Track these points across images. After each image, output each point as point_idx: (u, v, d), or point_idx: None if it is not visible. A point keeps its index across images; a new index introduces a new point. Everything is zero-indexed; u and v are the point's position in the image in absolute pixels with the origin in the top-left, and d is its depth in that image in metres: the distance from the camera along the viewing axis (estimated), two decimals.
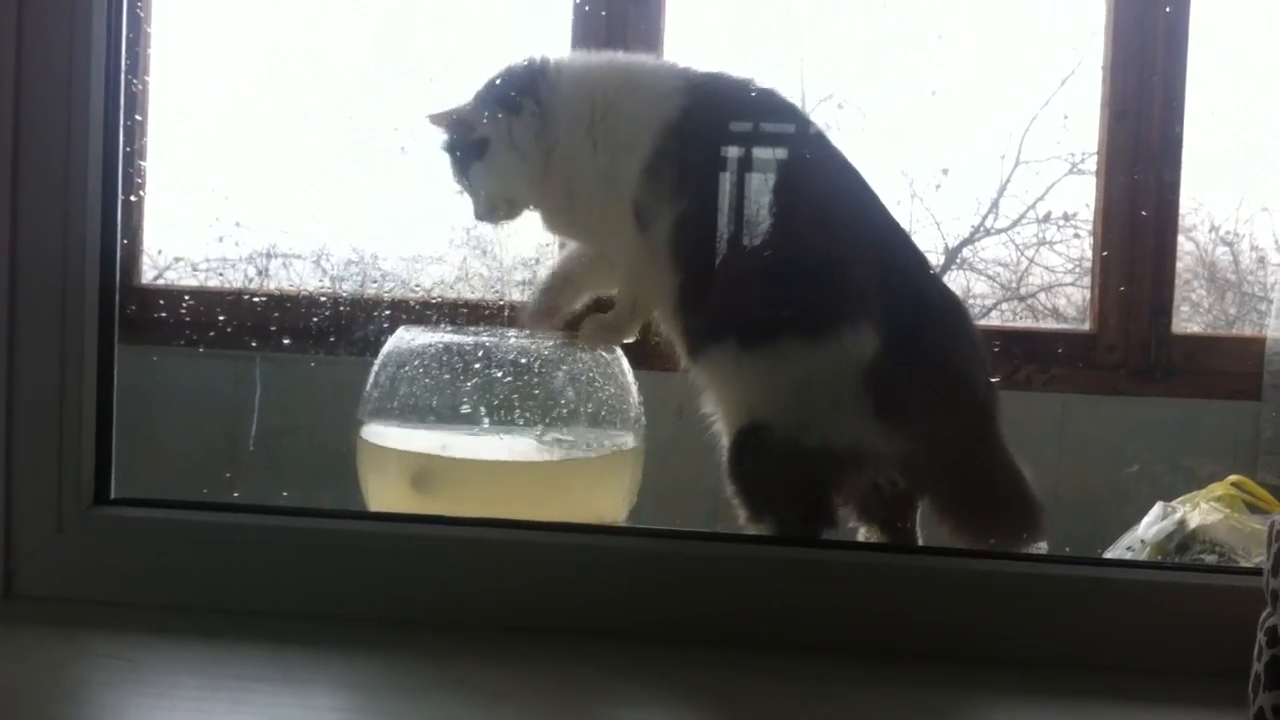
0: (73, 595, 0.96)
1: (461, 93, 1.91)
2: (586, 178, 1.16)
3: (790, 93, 1.99)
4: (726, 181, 1.11)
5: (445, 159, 1.24)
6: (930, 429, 1.06)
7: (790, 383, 1.05)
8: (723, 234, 1.10)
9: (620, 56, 1.26)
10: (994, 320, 1.96)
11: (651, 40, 1.72)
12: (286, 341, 1.23)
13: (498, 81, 1.23)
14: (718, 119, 1.14)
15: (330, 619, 0.93)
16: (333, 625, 0.92)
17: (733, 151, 1.12)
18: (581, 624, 0.93)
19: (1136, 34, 1.66)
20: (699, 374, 1.12)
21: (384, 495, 1.09)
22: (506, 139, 1.19)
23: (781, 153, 1.14)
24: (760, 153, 1.13)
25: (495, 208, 1.22)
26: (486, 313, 1.20)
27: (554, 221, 1.22)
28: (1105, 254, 1.63)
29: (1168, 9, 1.63)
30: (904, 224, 2.20)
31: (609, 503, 1.12)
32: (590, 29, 1.71)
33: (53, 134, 0.95)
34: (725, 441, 1.10)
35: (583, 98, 1.18)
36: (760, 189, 1.10)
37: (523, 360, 1.12)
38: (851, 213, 1.12)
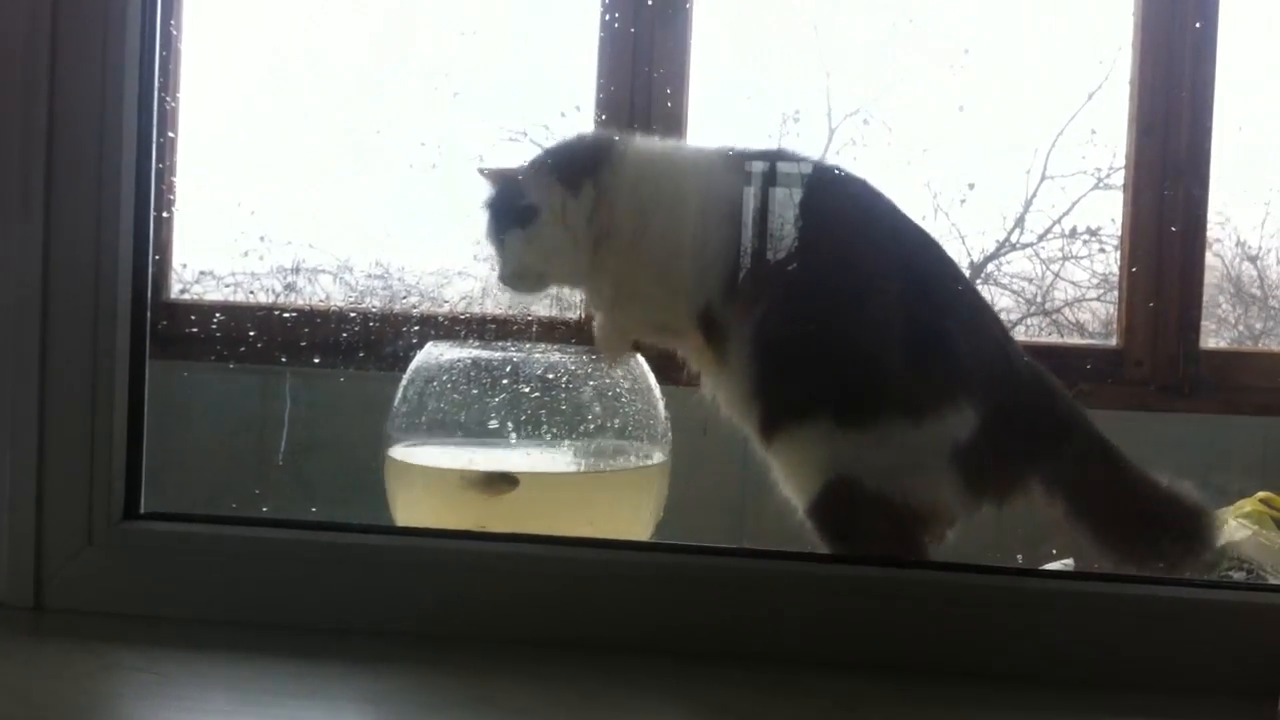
0: (102, 609, 0.96)
1: (493, 112, 1.93)
2: (642, 278, 1.14)
3: (816, 108, 2.00)
4: (811, 267, 1.09)
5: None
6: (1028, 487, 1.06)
7: (888, 456, 1.05)
8: (812, 318, 1.09)
9: (688, 148, 1.21)
10: (1019, 335, 1.96)
11: (678, 57, 1.73)
12: (316, 360, 1.24)
13: (562, 152, 1.20)
14: (794, 207, 1.13)
15: (358, 634, 0.93)
16: (360, 640, 0.93)
17: (814, 237, 1.10)
18: (606, 639, 0.93)
19: (1165, 49, 1.66)
20: (779, 451, 1.10)
21: (412, 510, 1.10)
22: (559, 214, 1.15)
23: (862, 230, 1.13)
24: (841, 232, 1.11)
25: (524, 277, 1.18)
26: (515, 328, 1.20)
27: (600, 303, 1.19)
28: (1134, 270, 1.63)
29: (1197, 24, 1.63)
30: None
31: (636, 517, 1.12)
32: (618, 45, 1.72)
33: (87, 150, 0.96)
34: (800, 503, 1.09)
35: (648, 192, 1.15)
36: (846, 266, 1.09)
37: (550, 375, 1.12)
38: (940, 284, 1.11)
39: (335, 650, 0.91)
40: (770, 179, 1.15)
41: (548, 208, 1.15)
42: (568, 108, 2.03)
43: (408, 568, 0.96)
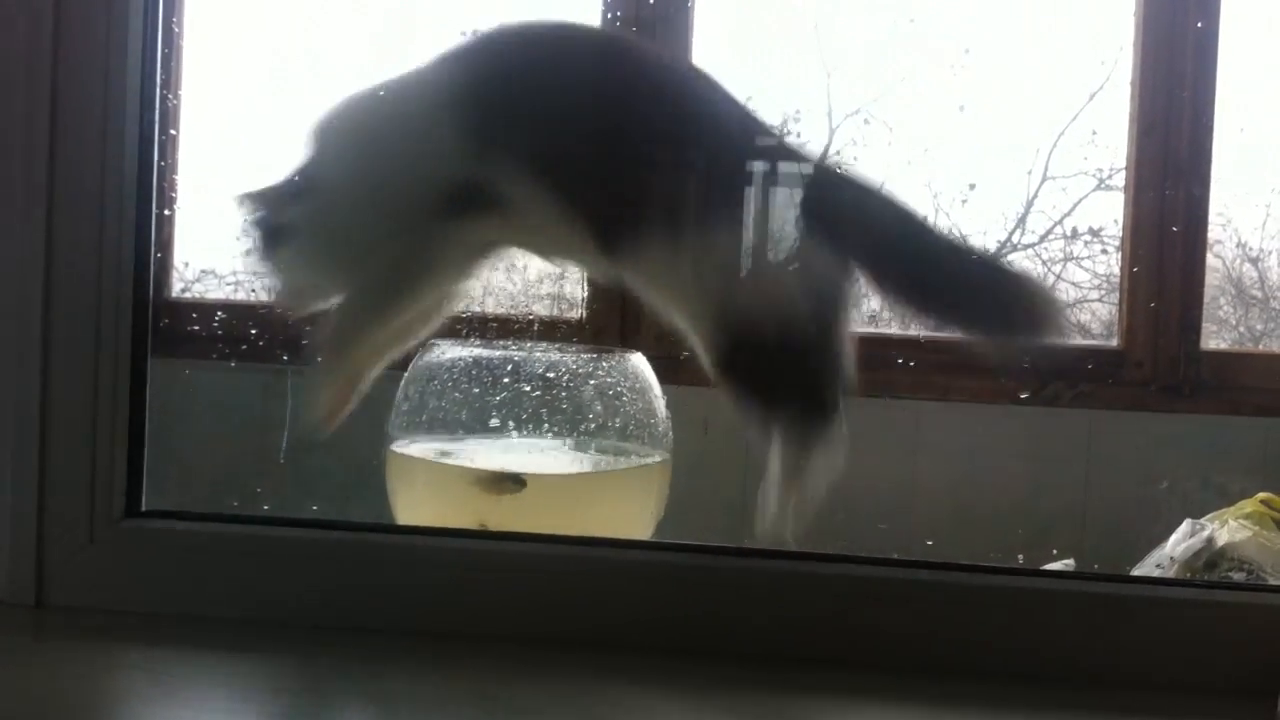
0: (103, 606, 0.96)
1: None
2: None
3: (816, 107, 2.00)
4: None
5: None
6: None
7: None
8: None
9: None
10: None
11: (679, 56, 1.73)
12: (319, 358, 1.23)
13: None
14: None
15: (360, 632, 0.94)
16: (362, 638, 0.93)
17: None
18: (609, 638, 0.93)
19: (1166, 49, 1.66)
20: None
21: (414, 508, 1.10)
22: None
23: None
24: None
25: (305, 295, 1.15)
26: (516, 327, 1.20)
27: None
28: (1135, 270, 1.63)
29: (1199, 24, 1.63)
30: None
31: (637, 516, 1.12)
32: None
33: (89, 148, 0.96)
34: None
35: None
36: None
37: (550, 374, 1.12)
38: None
39: (336, 648, 0.91)
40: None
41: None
42: None
43: (409, 566, 0.96)
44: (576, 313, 1.62)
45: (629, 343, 1.59)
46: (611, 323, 1.60)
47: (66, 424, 0.96)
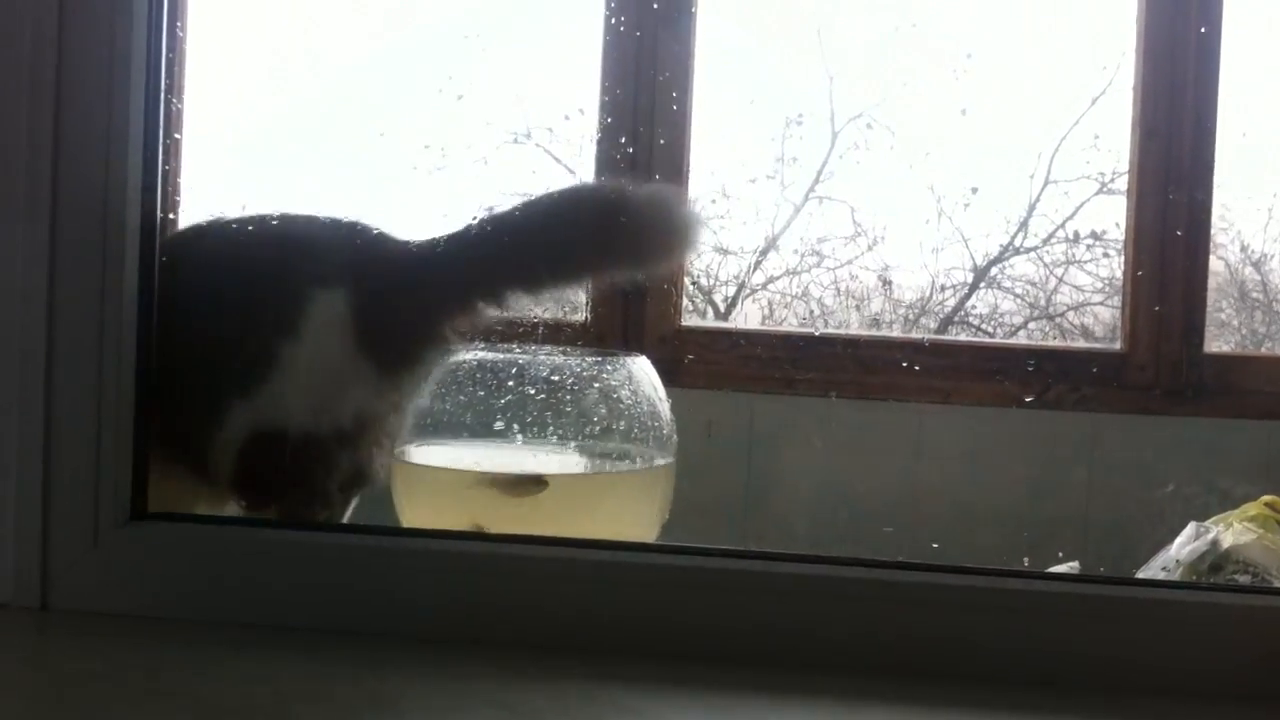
0: (109, 610, 0.96)
1: (497, 115, 1.92)
2: None
3: (819, 111, 2.00)
4: None
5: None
6: None
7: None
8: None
9: None
10: (1022, 339, 1.96)
11: (683, 60, 1.73)
12: None
13: None
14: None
15: (367, 635, 0.93)
16: (369, 642, 0.92)
17: None
18: (617, 643, 0.92)
19: (1168, 53, 1.66)
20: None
21: (419, 511, 1.10)
22: None
23: None
24: None
25: None
26: (520, 330, 1.20)
27: None
28: (1140, 273, 1.63)
29: (1201, 29, 1.63)
30: (932, 242, 2.20)
31: (641, 519, 1.12)
32: (622, 48, 1.72)
33: (94, 148, 0.96)
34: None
35: None
36: None
37: (555, 378, 1.12)
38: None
39: (344, 652, 0.91)
40: None
41: None
42: (571, 110, 2.04)
43: (416, 569, 0.95)
44: (580, 315, 1.62)
45: (632, 346, 1.59)
46: (614, 326, 1.60)
47: (71, 427, 0.96)
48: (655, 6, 1.71)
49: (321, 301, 1.05)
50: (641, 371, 1.16)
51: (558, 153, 2.09)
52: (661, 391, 1.16)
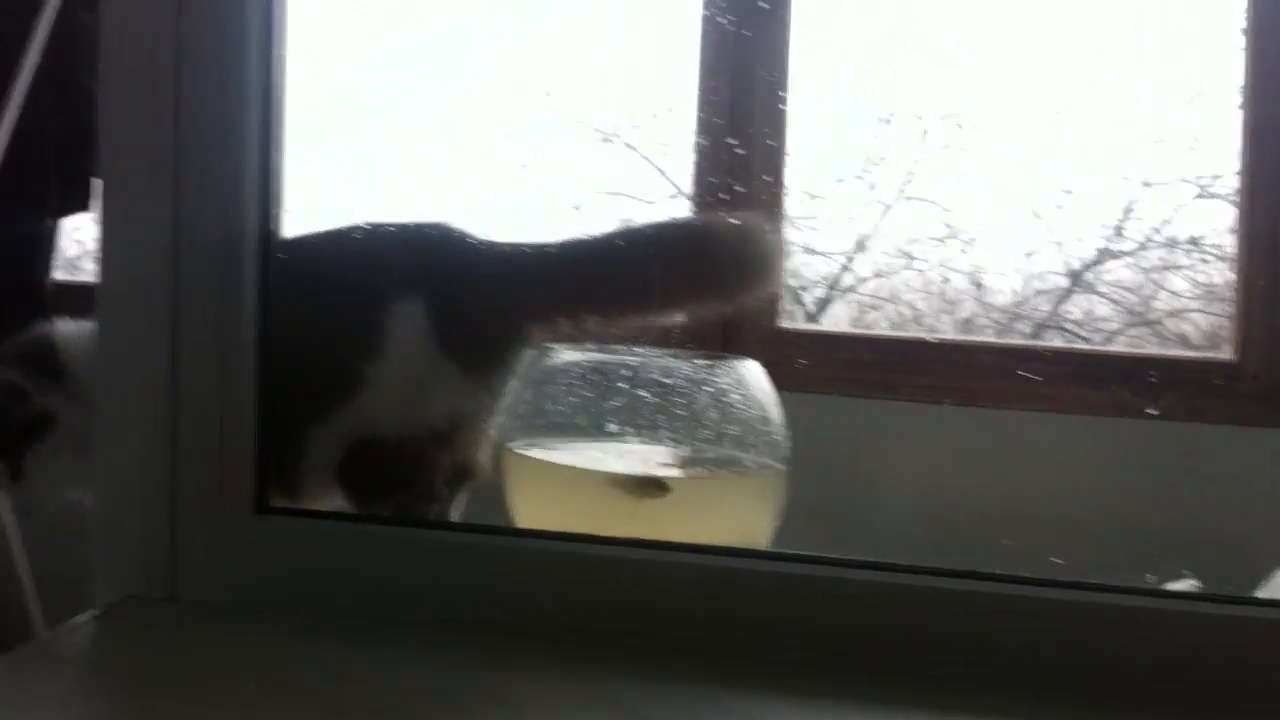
0: (234, 603, 0.97)
1: (586, 112, 1.92)
2: None
3: (909, 110, 1.98)
4: None
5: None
6: None
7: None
8: None
9: None
10: (1119, 345, 1.93)
11: (778, 57, 1.72)
12: None
13: None
14: None
15: (486, 634, 0.94)
16: (489, 640, 0.93)
17: None
18: (733, 648, 0.92)
19: (1278, 52, 1.63)
20: None
21: (534, 511, 1.11)
22: None
23: None
24: None
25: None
26: (675, 339, 1.21)
27: None
28: (1257, 281, 1.60)
29: None
30: (1025, 245, 2.17)
31: (756, 525, 1.12)
32: (721, 42, 1.72)
33: (215, 141, 0.97)
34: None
35: None
36: None
37: (667, 380, 1.12)
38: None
39: (463, 651, 0.91)
40: None
41: None
42: (660, 108, 2.04)
43: (536, 569, 0.96)
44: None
45: (730, 347, 1.59)
46: (712, 327, 1.60)
47: (197, 424, 0.98)
48: (764, 5, 1.70)
49: (400, 314, 1.08)
50: (753, 376, 1.15)
51: (647, 151, 2.10)
52: (773, 396, 1.16)
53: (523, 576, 0.96)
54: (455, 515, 1.13)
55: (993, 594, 0.93)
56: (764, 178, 1.70)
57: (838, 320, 2.06)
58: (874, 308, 2.10)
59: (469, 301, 1.09)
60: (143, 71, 0.96)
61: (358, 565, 0.97)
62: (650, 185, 2.08)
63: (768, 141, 1.71)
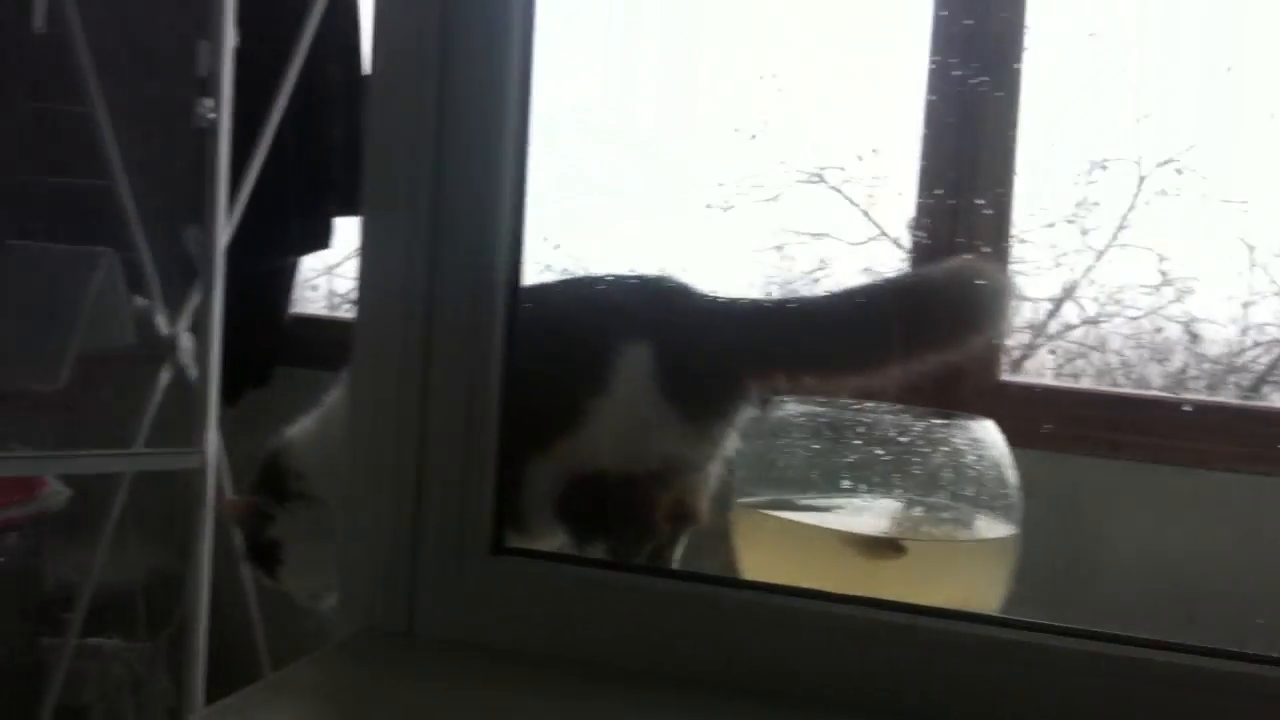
0: (468, 639, 0.99)
1: (792, 154, 1.92)
2: None
3: (1125, 155, 1.93)
4: None
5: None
6: None
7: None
8: None
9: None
10: None
11: (1006, 106, 1.69)
12: None
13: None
14: None
15: (706, 685, 0.93)
16: (707, 692, 0.92)
17: None
18: (959, 715, 0.90)
19: None
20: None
21: (757, 564, 1.10)
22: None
23: None
24: None
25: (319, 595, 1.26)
26: (890, 390, 1.19)
27: None
28: None
29: None
30: (1243, 295, 2.09)
31: (987, 591, 1.09)
32: (952, 34, 1.70)
33: (473, 193, 0.99)
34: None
35: None
36: None
37: (902, 438, 1.11)
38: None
39: (687, 702, 0.91)
40: None
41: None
42: (865, 150, 2.03)
43: (759, 624, 0.95)
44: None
45: (947, 399, 1.56)
46: (924, 381, 1.57)
47: (443, 461, 1.00)
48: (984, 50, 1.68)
49: (629, 356, 1.10)
50: (989, 435, 1.13)
51: (850, 193, 2.09)
52: (1009, 457, 1.13)
53: (752, 630, 0.95)
54: (674, 561, 1.13)
55: (1239, 674, 0.88)
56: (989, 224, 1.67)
57: (1041, 368, 2.01)
58: (1080, 356, 2.05)
59: (693, 352, 1.12)
60: (408, 119, 0.99)
61: (589, 609, 0.98)
62: (854, 227, 2.08)
63: (995, 189, 1.68)
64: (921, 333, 1.11)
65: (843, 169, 2.09)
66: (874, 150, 2.00)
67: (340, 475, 1.23)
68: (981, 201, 1.68)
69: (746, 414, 1.14)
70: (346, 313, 2.29)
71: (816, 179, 2.11)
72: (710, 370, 1.12)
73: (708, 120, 2.13)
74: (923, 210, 1.73)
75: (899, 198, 1.95)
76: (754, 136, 2.05)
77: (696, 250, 2.04)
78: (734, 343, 1.13)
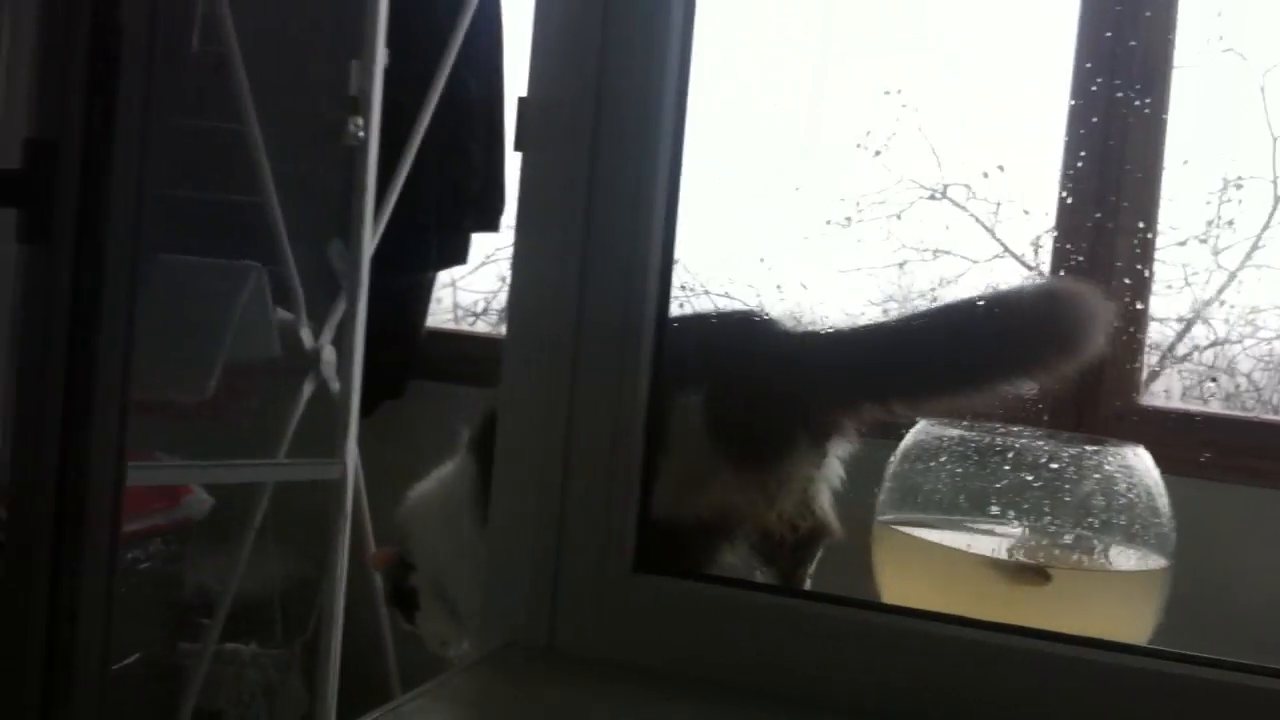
0: (607, 657, 1.00)
1: (914, 170, 1.90)
2: None
3: (1261, 173, 1.88)
4: None
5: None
6: None
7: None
8: None
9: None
10: None
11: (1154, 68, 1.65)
12: None
13: None
14: None
15: (842, 710, 0.92)
16: (844, 716, 0.91)
17: None
18: None
19: None
20: None
21: (898, 588, 1.09)
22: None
23: None
24: None
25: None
26: (1027, 413, 1.17)
27: None
28: None
29: None
30: None
31: (1137, 623, 1.06)
32: (1100, 12, 1.67)
33: (624, 224, 1.00)
34: None
35: None
36: None
37: (1053, 465, 1.09)
38: None
39: None
40: None
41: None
42: (990, 167, 2.00)
43: (901, 649, 0.94)
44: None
45: (1085, 424, 1.53)
46: (1064, 402, 1.54)
47: (588, 480, 1.01)
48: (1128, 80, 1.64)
49: (678, 408, 1.08)
50: (1141, 463, 1.10)
51: (975, 210, 2.07)
52: (1161, 485, 1.10)
53: (891, 654, 0.94)
54: (807, 579, 1.12)
55: None
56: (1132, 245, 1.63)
57: (1169, 390, 1.96)
58: (1209, 378, 1.99)
59: (751, 399, 1.10)
60: (563, 142, 1.00)
61: (728, 630, 0.98)
62: (978, 244, 2.06)
63: (1139, 206, 1.64)
64: (1004, 356, 1.07)
65: (967, 186, 2.08)
66: (1000, 167, 1.98)
67: (432, 548, 1.28)
68: (1122, 221, 1.64)
69: (813, 456, 1.12)
70: (472, 327, 2.32)
71: (940, 195, 2.09)
72: (767, 418, 1.10)
73: (830, 136, 2.12)
74: (1061, 225, 1.70)
75: (1025, 215, 1.93)
76: (877, 153, 2.04)
77: (815, 267, 2.04)
78: (806, 378, 1.10)
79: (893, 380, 1.09)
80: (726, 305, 1.93)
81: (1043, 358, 1.08)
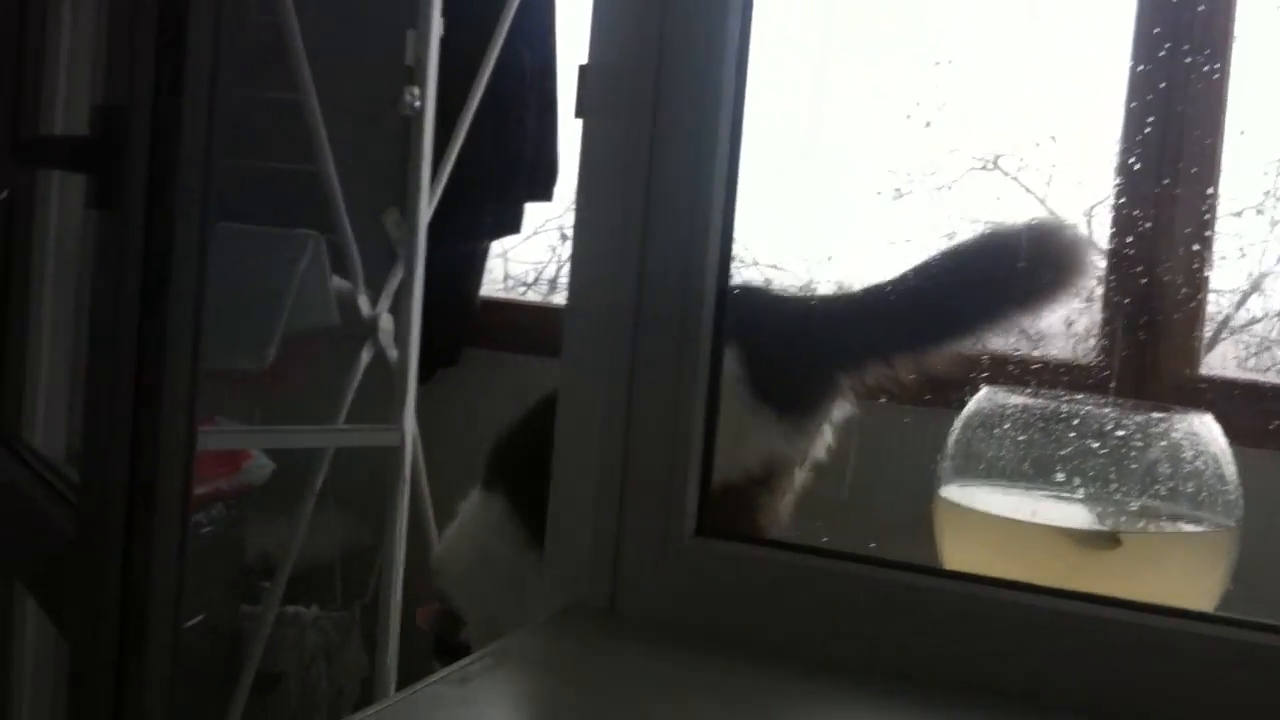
0: (668, 619, 1.00)
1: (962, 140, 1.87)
2: None
3: None
4: None
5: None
6: None
7: None
8: None
9: None
10: None
11: (1213, 96, 1.63)
12: (882, 399, 1.25)
13: None
14: None
15: (905, 675, 0.92)
16: (906, 682, 0.91)
17: None
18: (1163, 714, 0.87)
19: None
20: None
21: (960, 556, 1.09)
22: None
23: None
24: None
25: None
26: (1089, 381, 1.16)
27: None
28: None
29: None
30: None
31: (1204, 586, 1.06)
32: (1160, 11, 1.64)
33: (684, 202, 1.00)
34: None
35: None
36: None
37: (1119, 432, 1.08)
38: None
39: (886, 696, 0.91)
40: None
41: None
42: (1043, 137, 1.97)
43: (962, 617, 0.94)
44: (1088, 358, 1.56)
45: (1144, 393, 1.51)
46: (1124, 369, 1.53)
47: (650, 444, 1.01)
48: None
49: None
50: (1208, 430, 1.09)
51: (1026, 180, 2.04)
52: (1229, 452, 1.09)
53: (956, 621, 0.94)
54: None
55: None
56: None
57: (1224, 360, 1.94)
58: (1264, 349, 1.97)
59: (778, 349, 1.15)
60: (623, 113, 1.00)
61: (789, 593, 0.98)
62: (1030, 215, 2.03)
63: (1200, 174, 1.61)
64: (998, 290, 1.14)
65: (1019, 157, 2.05)
66: (1052, 137, 1.96)
67: (478, 595, 1.29)
68: (1186, 189, 1.62)
69: (842, 410, 1.17)
70: (523, 296, 2.33)
71: (991, 166, 2.07)
72: (799, 368, 1.15)
73: (880, 107, 2.10)
74: (1127, 192, 1.68)
75: (1078, 186, 1.91)
76: (928, 124, 2.02)
77: (865, 238, 2.03)
78: (820, 338, 1.16)
79: (894, 333, 1.16)
80: (776, 277, 1.93)
81: (1034, 291, 1.14)
